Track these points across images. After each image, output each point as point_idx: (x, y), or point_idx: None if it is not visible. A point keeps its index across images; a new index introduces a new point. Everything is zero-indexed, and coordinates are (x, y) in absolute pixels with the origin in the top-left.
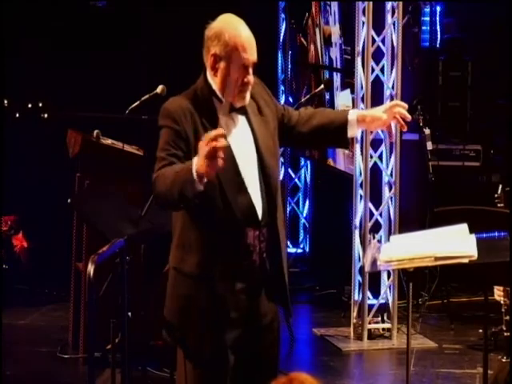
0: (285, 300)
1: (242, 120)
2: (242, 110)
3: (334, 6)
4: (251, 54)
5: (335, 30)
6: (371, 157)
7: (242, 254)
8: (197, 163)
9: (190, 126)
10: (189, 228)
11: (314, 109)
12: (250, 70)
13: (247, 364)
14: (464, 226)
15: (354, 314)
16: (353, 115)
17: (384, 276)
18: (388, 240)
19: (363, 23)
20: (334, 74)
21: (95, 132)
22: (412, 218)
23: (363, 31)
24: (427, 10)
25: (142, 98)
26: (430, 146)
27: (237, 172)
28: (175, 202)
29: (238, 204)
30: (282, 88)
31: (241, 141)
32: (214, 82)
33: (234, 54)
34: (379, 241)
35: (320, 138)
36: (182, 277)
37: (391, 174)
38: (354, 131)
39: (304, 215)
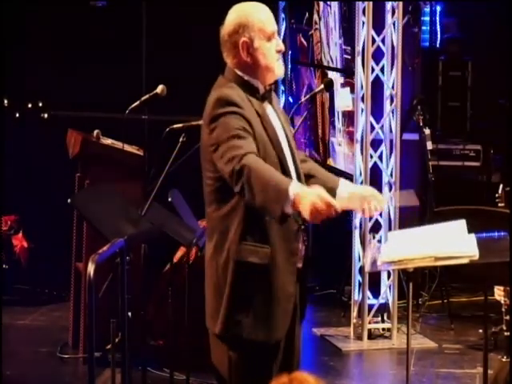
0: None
1: (271, 109)
2: (269, 100)
3: (334, 7)
4: (274, 24)
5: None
6: (371, 157)
7: (294, 240)
8: (299, 193)
9: (248, 111)
10: (253, 221)
11: (307, 160)
12: (278, 37)
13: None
14: (462, 222)
15: (354, 313)
16: (344, 191)
17: (384, 276)
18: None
19: (363, 23)
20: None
21: (95, 132)
22: (412, 218)
23: (363, 31)
24: (427, 9)
25: (142, 98)
26: (429, 145)
27: (284, 161)
28: (257, 204)
29: None
30: (282, 88)
31: (277, 129)
32: (249, 71)
33: (262, 29)
34: (379, 241)
35: None
36: (248, 268)
37: (391, 174)
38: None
39: None
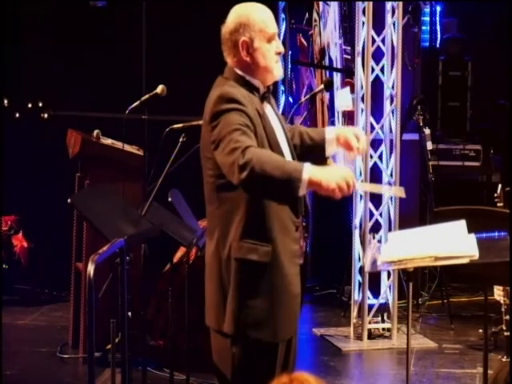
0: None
1: (270, 109)
2: (268, 100)
3: (334, 6)
4: (275, 26)
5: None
6: (371, 157)
7: (295, 240)
8: (316, 174)
9: (250, 109)
10: (254, 219)
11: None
12: (278, 39)
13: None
14: (462, 222)
15: (354, 313)
16: (331, 134)
17: (384, 276)
18: (387, 239)
19: (363, 23)
20: (334, 73)
21: (95, 132)
22: (412, 218)
23: (363, 31)
24: (427, 9)
25: (142, 98)
26: (429, 145)
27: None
28: (273, 188)
29: None
30: (282, 88)
31: (277, 129)
32: (249, 71)
33: (263, 30)
34: (379, 241)
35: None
36: (250, 266)
37: (391, 174)
38: (333, 149)
39: None
